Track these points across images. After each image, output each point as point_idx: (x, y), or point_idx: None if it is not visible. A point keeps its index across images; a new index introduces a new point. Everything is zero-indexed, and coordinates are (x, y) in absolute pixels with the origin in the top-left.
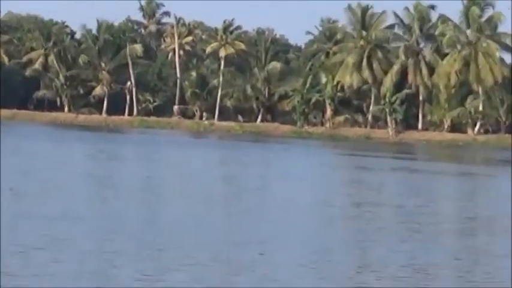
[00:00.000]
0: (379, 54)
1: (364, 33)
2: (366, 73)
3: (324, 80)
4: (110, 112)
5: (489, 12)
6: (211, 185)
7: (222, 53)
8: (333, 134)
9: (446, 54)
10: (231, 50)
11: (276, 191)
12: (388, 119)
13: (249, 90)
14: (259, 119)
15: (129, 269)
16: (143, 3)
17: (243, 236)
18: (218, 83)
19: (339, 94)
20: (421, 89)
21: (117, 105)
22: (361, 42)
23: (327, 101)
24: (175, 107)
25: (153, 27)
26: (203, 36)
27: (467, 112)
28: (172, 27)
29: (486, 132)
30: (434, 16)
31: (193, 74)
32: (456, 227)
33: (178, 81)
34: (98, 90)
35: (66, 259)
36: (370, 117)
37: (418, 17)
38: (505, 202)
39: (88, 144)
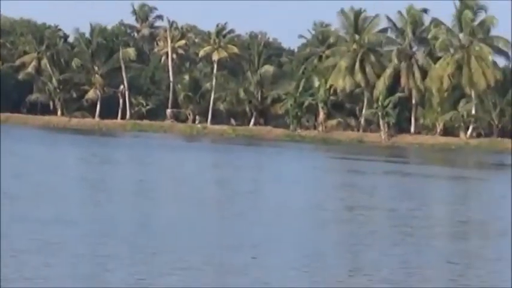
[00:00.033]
0: (372, 57)
1: (357, 36)
2: (359, 77)
3: (316, 83)
4: (102, 116)
5: (482, 15)
6: (204, 188)
7: (215, 57)
8: (325, 137)
9: (439, 58)
10: (224, 54)
11: (269, 195)
12: (381, 122)
13: (242, 94)
14: (252, 123)
15: (122, 273)
16: (136, 7)
17: (235, 239)
18: (211, 86)
19: (331, 98)
20: (414, 93)
21: (110, 109)
22: (354, 46)
23: (320, 105)
24: (168, 111)
25: (146, 31)
26: (196, 40)
27: (459, 116)
28: (165, 30)
29: (479, 135)
30: (427, 20)
31: (186, 77)
32: (448, 231)
33: (171, 84)
34: (91, 94)
35: (58, 263)
36: (362, 120)
37: (410, 21)
38: (497, 206)
39: (81, 147)
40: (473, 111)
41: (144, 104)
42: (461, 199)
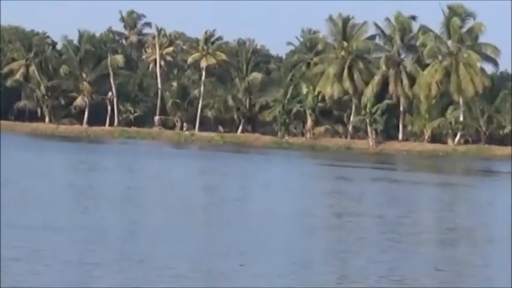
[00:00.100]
0: (360, 64)
1: (345, 43)
2: (347, 84)
3: (304, 90)
4: (90, 123)
5: (470, 22)
6: (192, 195)
7: (203, 64)
8: (313, 144)
9: (427, 65)
10: (212, 61)
11: (257, 202)
12: (369, 129)
13: (230, 101)
14: (239, 130)
15: (110, 280)
16: (124, 14)
17: (223, 246)
18: (199, 93)
19: (319, 104)
20: (402, 100)
21: (98, 116)
22: (342, 53)
23: (308, 112)
24: (156, 118)
25: (134, 38)
26: (184, 47)
27: (447, 122)
28: (154, 37)
29: (466, 142)
30: (415, 27)
31: (174, 84)
32: (436, 238)
33: (159, 91)
34: (79, 101)
35: (45, 270)
36: (350, 127)
37: (399, 28)
38: (484, 212)
39: (69, 154)
40: (461, 118)
41: (132, 111)
42: (448, 206)
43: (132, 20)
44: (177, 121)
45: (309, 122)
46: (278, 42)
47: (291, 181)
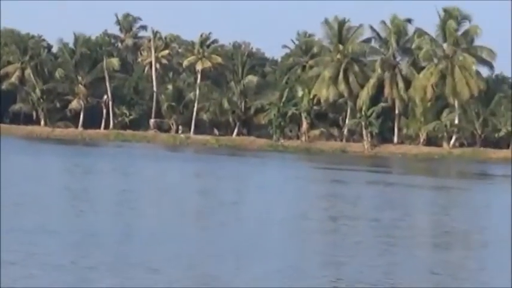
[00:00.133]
0: (356, 67)
1: (340, 46)
2: (342, 87)
3: (300, 93)
4: (86, 126)
5: (466, 25)
6: (187, 198)
7: (199, 67)
8: (308, 147)
9: (422, 68)
10: (207, 64)
11: (252, 205)
12: (364, 132)
13: (225, 104)
14: (235, 133)
15: (105, 284)
16: (120, 17)
17: (218, 249)
18: (194, 96)
19: (315, 107)
20: (397, 103)
21: (93, 119)
22: (338, 56)
23: (303, 115)
24: (152, 121)
25: (129, 41)
26: (180, 50)
27: (442, 125)
28: (149, 40)
29: (461, 145)
30: (411, 30)
31: (170, 87)
32: (432, 241)
33: (154, 94)
34: (74, 104)
35: (40, 274)
36: (345, 130)
37: (394, 31)
38: (480, 216)
39: (64, 157)
40: (456, 121)
41: (128, 114)
42: (444, 209)
43: (127, 23)
44: (172, 124)
45: (304, 125)
46: (273, 45)
47: (286, 184)
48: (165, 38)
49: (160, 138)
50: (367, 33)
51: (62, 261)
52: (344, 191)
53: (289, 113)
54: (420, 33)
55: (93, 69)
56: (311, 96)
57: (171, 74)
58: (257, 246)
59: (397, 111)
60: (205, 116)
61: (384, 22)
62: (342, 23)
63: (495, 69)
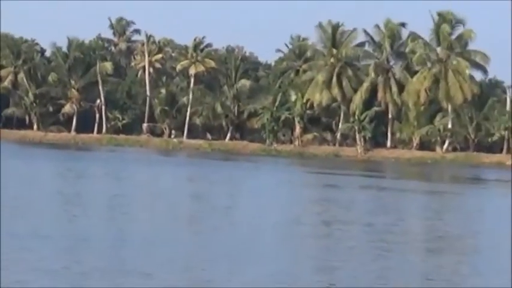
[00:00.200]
0: (349, 71)
1: (334, 50)
2: (336, 91)
3: (293, 97)
4: (79, 130)
5: (460, 29)
6: (180, 203)
7: (192, 71)
8: (301, 151)
9: (416, 72)
10: (201, 68)
11: (245, 209)
12: (357, 136)
13: (218, 108)
14: (228, 137)
15: None
16: (114, 21)
17: (211, 254)
18: (187, 100)
19: (308, 112)
20: (391, 107)
21: (86, 123)
22: (331, 60)
23: (296, 119)
24: (145, 125)
25: (123, 45)
26: (173, 54)
27: (436, 130)
28: (143, 44)
29: (454, 149)
30: (405, 34)
31: (163, 91)
32: (425, 246)
33: (147, 99)
34: (67, 108)
35: (32, 279)
36: (339, 135)
37: (388, 35)
38: (473, 220)
39: (57, 162)
40: (449, 126)
41: (120, 119)
42: (437, 214)
43: (121, 27)
44: (165, 128)
45: (298, 130)
46: (267, 49)
47: (280, 189)
48: (159, 42)
49: (153, 142)
50: (360, 37)
51: (54, 266)
52: (337, 196)
53: (283, 117)
54: (414, 37)
55: (87, 74)
56: (304, 101)
57: (164, 78)
58: (250, 251)
59: (390, 116)
60: (198, 121)
61: (377, 26)
62: (335, 27)
63: (488, 73)
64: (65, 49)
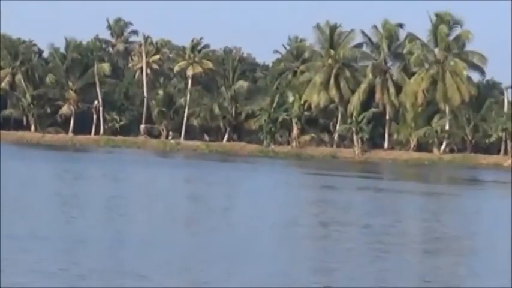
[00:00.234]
0: (347, 73)
1: (332, 52)
2: (333, 92)
3: (291, 99)
4: (76, 131)
5: (457, 30)
6: (177, 204)
7: (190, 72)
8: (299, 153)
9: (414, 73)
10: (198, 69)
11: (243, 211)
12: (355, 138)
13: (216, 109)
14: (225, 138)
15: None
16: (111, 21)
17: (209, 256)
18: (185, 102)
19: (305, 113)
20: (388, 108)
21: (83, 125)
22: (329, 61)
23: (294, 120)
24: (142, 126)
25: (120, 46)
26: (171, 55)
27: (433, 131)
28: (140, 45)
29: (452, 151)
30: (402, 35)
31: (161, 92)
32: (423, 247)
33: (145, 100)
34: (65, 110)
35: (29, 281)
36: (336, 136)
37: (386, 36)
38: (470, 221)
39: (54, 163)
40: (447, 127)
41: (118, 120)
42: (434, 215)
43: (119, 27)
44: (162, 130)
45: (295, 131)
46: (264, 50)
47: (277, 190)
48: (156, 43)
49: (151, 144)
50: (358, 38)
51: (51, 267)
52: (335, 197)
53: (280, 119)
54: (412, 38)
55: (84, 75)
56: (302, 102)
57: (162, 80)
58: (248, 252)
59: (387, 117)
60: (195, 122)
61: (375, 27)
62: (333, 28)
63: (486, 75)
64: (62, 50)
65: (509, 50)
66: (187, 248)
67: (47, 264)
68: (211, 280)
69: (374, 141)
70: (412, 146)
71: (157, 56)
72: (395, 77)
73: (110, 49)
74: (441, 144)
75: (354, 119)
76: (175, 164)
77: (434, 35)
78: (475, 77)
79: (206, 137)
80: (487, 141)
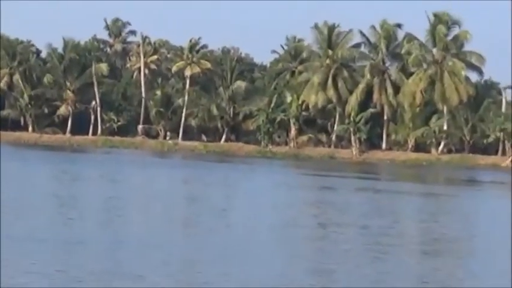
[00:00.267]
0: (345, 73)
1: (330, 52)
2: (331, 92)
3: (289, 99)
4: (74, 132)
5: (455, 30)
6: (175, 205)
7: (188, 72)
8: (296, 153)
9: (412, 73)
10: (196, 69)
11: (241, 212)
12: (352, 138)
13: (214, 110)
14: (223, 139)
15: None
16: (109, 21)
17: (206, 256)
18: (183, 102)
19: (303, 113)
20: (386, 108)
21: (81, 125)
22: (327, 61)
23: (292, 121)
24: (140, 127)
25: (118, 46)
26: (168, 55)
27: (431, 131)
28: (138, 46)
29: (450, 151)
30: (400, 35)
31: (158, 93)
32: (421, 248)
33: (143, 100)
34: (63, 110)
35: (27, 282)
36: (334, 136)
37: (384, 36)
38: (468, 222)
39: (51, 164)
40: (445, 127)
41: (116, 120)
42: (433, 216)
43: (116, 28)
44: (160, 130)
45: (293, 131)
46: (263, 51)
47: (275, 191)
48: (154, 43)
49: (148, 144)
50: (356, 38)
51: (49, 269)
52: (333, 198)
53: (278, 119)
54: (410, 38)
55: (82, 75)
56: (300, 102)
57: (159, 80)
58: (245, 253)
59: (385, 117)
60: (193, 122)
61: (373, 27)
62: (331, 28)
63: (484, 75)
64: (60, 50)
65: (507, 50)
66: (185, 249)
67: (45, 265)
68: (209, 281)
69: (372, 142)
70: (410, 146)
71: (155, 56)
72: (394, 77)
73: (108, 49)
74: (439, 144)
75: (351, 119)
76: (173, 165)
77: (433, 35)
78: (473, 77)
79: (204, 137)
80: (485, 141)
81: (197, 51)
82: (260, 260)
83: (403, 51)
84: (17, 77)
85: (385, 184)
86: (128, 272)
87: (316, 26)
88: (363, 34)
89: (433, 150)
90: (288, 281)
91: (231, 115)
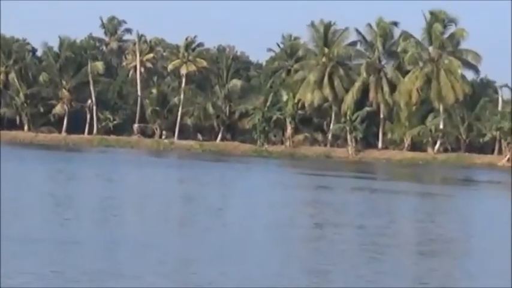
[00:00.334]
0: (341, 71)
1: (326, 50)
2: (327, 91)
3: (285, 97)
4: (69, 131)
5: (452, 29)
6: (171, 205)
7: (184, 71)
8: (292, 152)
9: (408, 72)
10: (192, 67)
11: (237, 211)
12: (348, 137)
13: (209, 109)
14: (219, 138)
15: None
16: (105, 20)
17: (202, 256)
18: (179, 100)
19: (299, 112)
20: (382, 107)
21: (77, 124)
22: (323, 60)
23: (288, 119)
24: (135, 126)
25: (114, 45)
26: (164, 54)
27: (427, 130)
28: (134, 44)
29: (446, 150)
30: (397, 33)
31: (154, 91)
32: (418, 249)
33: (138, 99)
34: (58, 109)
35: (24, 283)
36: (330, 135)
37: (380, 34)
38: (465, 222)
39: (47, 163)
40: (441, 126)
41: (111, 119)
42: (429, 216)
43: (112, 26)
44: (156, 129)
45: (289, 130)
46: (258, 49)
47: (271, 190)
48: (150, 41)
49: (144, 143)
50: (352, 37)
51: (45, 269)
52: (328, 197)
53: (274, 118)
54: (406, 36)
55: (78, 73)
56: (296, 101)
57: (155, 78)
58: (241, 253)
59: (381, 116)
60: (189, 121)
61: (369, 25)
62: (327, 26)
63: (480, 73)
64: (56, 49)
65: (504, 48)
66: (181, 249)
67: (40, 266)
68: (205, 281)
69: (368, 141)
70: (406, 145)
71: (151, 55)
72: (390, 75)
73: (104, 48)
74: (435, 143)
75: (347, 118)
76: (169, 164)
77: (429, 33)
78: (469, 75)
79: (200, 136)
80: (481, 140)
81: (193, 50)
82: (256, 259)
83: (399, 50)
84: (12, 75)
85: (381, 183)
86: (124, 272)
87: (312, 24)
88: (359, 32)
89: (429, 149)
90: (284, 280)
91: (227, 114)
